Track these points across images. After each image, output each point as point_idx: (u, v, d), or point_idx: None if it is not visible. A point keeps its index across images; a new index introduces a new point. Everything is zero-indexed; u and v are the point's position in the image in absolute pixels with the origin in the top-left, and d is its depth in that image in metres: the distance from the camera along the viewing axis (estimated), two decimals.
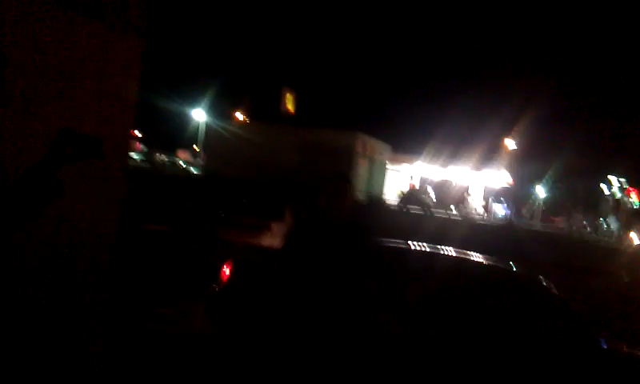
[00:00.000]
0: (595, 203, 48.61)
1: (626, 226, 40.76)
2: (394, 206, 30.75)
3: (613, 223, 41.42)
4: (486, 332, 4.77)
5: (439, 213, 30.93)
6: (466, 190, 41.04)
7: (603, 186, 48.71)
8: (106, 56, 3.01)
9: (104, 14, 2.98)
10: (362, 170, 32.90)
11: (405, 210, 28.37)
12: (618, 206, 47.00)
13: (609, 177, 47.63)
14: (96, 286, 3.09)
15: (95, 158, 1.95)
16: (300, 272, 3.46)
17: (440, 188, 39.22)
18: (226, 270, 5.78)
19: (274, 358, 3.62)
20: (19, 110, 2.59)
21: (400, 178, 40.69)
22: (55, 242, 2.79)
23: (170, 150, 52.06)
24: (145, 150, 48.36)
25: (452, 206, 36.49)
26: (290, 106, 38.62)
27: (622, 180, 46.88)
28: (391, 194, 36.34)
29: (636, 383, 4.51)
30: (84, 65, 2.89)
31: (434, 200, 35.65)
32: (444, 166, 40.11)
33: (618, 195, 47.30)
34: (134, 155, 40.23)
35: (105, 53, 3.00)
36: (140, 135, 50.00)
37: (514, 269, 5.50)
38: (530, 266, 6.00)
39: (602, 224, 42.63)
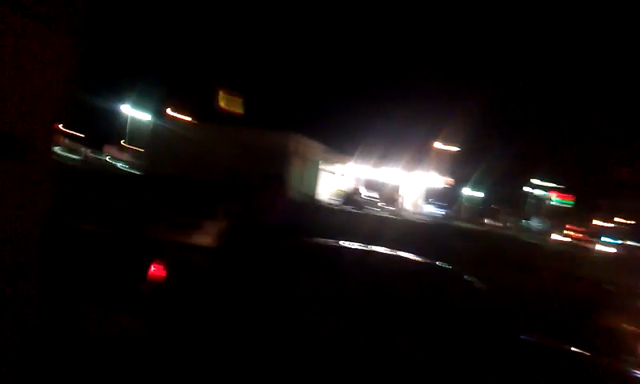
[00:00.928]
0: (520, 205, 50.67)
1: (551, 225, 42.76)
2: (331, 204, 31.00)
3: (536, 223, 43.33)
4: (412, 326, 4.89)
5: (373, 211, 31.41)
6: (397, 190, 41.89)
7: (528, 188, 50.84)
8: (37, 53, 2.92)
9: (39, 11, 2.89)
10: (295, 169, 33.02)
11: (343, 208, 28.67)
12: (542, 208, 49.17)
13: (534, 180, 49.80)
14: (18, 283, 2.99)
15: (9, 155, 1.89)
16: (233, 270, 3.45)
17: (374, 188, 39.88)
18: (154, 269, 5.67)
19: (207, 358, 3.60)
20: None
21: (333, 179, 41.06)
22: None
23: (98, 146, 50.52)
24: (74, 145, 46.75)
25: (380, 203, 37.12)
26: (226, 105, 38.26)
27: (546, 183, 49.10)
28: (325, 195, 36.62)
29: (551, 372, 4.74)
30: (13, 60, 2.80)
31: (374, 200, 36.24)
32: (376, 166, 40.78)
33: (542, 197, 49.49)
34: (62, 151, 38.84)
35: (36, 50, 2.91)
36: (71, 131, 48.31)
37: (441, 266, 5.66)
38: (458, 262, 6.17)
39: (526, 224, 44.48)
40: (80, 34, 3.15)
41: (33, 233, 3.05)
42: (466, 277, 5.51)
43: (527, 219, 47.37)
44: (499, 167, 44.98)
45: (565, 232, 43.99)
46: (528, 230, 42.38)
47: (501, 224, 42.56)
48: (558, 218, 47.07)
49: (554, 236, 39.34)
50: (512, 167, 46.57)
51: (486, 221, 47.15)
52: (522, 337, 4.98)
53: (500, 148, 44.60)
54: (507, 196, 51.82)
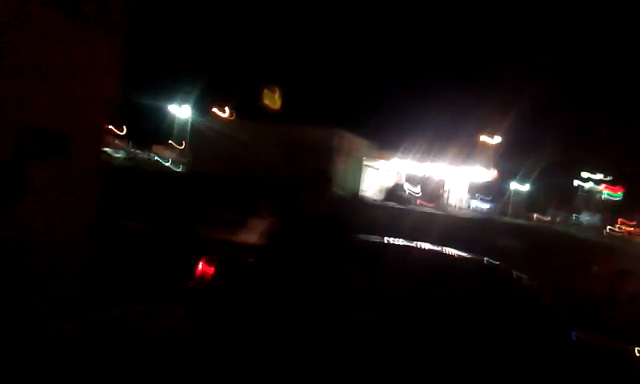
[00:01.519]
0: (570, 199, 49.41)
1: (603, 220, 41.59)
2: (375, 201, 30.86)
3: (587, 217, 42.19)
4: (460, 325, 4.82)
5: (419, 208, 31.12)
6: (442, 186, 41.39)
7: (578, 181, 49.52)
8: (83, 53, 2.98)
9: (83, 9, 2.95)
10: (339, 166, 32.96)
11: (387, 205, 28.51)
12: (593, 202, 47.80)
13: (584, 173, 48.47)
14: (70, 283, 3.05)
15: (62, 156, 1.93)
16: (281, 268, 3.46)
17: (420, 183, 39.50)
18: (202, 267, 5.74)
19: (258, 355, 3.62)
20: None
21: (379, 174, 40.84)
22: (26, 239, 2.76)
23: (147, 146, 51.58)
24: (123, 145, 47.91)
25: (421, 199, 36.69)
26: (271, 102, 38.54)
27: (598, 176, 47.70)
28: (370, 190, 36.45)
29: (602, 371, 4.60)
30: (61, 61, 2.86)
31: (418, 194, 35.94)
32: (422, 161, 40.37)
33: (593, 191, 48.12)
34: (112, 151, 39.85)
35: (82, 50, 2.97)
36: (119, 131, 49.53)
37: (489, 262, 5.56)
38: (506, 259, 6.05)
39: (576, 219, 43.37)
40: (124, 33, 3.20)
41: (83, 231, 3.11)
42: (514, 273, 5.40)
43: (577, 213, 46.16)
44: (548, 160, 43.96)
45: (617, 226, 42.68)
46: (578, 224, 41.27)
47: (550, 219, 41.56)
48: (610, 211, 45.72)
49: (606, 230, 38.23)
50: (561, 160, 45.45)
51: (534, 216, 46.18)
52: (572, 334, 4.84)
53: (549, 140, 43.54)
54: (556, 190, 50.59)
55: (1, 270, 2.64)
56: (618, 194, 48.84)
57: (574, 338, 4.81)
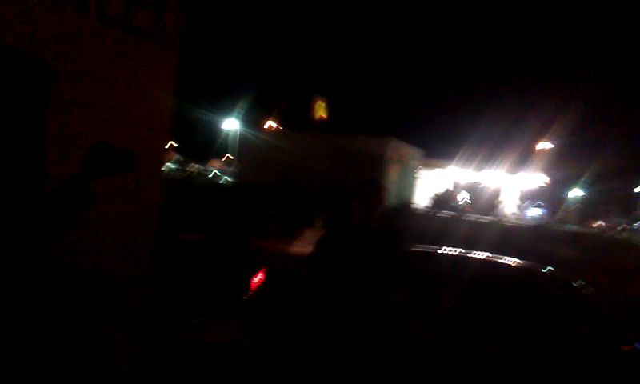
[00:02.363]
0: (632, 206, 47.52)
1: None
2: (425, 210, 30.49)
3: None
4: (518, 336, 4.72)
5: (473, 216, 30.55)
6: (497, 196, 40.50)
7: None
8: (142, 68, 3.09)
9: (141, 27, 3.06)
10: (393, 175, 32.72)
11: (434, 214, 28.05)
12: None
13: None
14: (134, 295, 3.15)
15: (128, 170, 2.02)
16: (330, 278, 3.48)
17: (474, 192, 38.79)
18: (257, 279, 5.82)
19: (306, 366, 3.65)
20: (60, 122, 2.67)
21: (432, 184, 40.33)
22: (92, 251, 2.87)
23: (204, 160, 52.58)
24: (180, 159, 48.95)
25: (481, 210, 35.82)
26: (321, 113, 38.66)
27: None
28: (424, 200, 36.05)
29: None
30: (121, 77, 2.98)
31: (469, 202, 35.30)
32: (477, 169, 39.66)
33: None
34: (170, 165, 40.76)
35: (142, 67, 3.08)
36: (176, 145, 50.69)
37: (548, 272, 5.43)
38: (567, 268, 5.90)
39: (639, 227, 41.64)
40: (179, 48, 3.30)
41: (147, 244, 3.22)
42: (573, 283, 5.26)
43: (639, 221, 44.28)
44: (608, 166, 42.47)
45: None
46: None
47: (611, 226, 40.03)
48: None
49: None
50: (622, 166, 43.83)
51: (594, 224, 44.59)
52: (636, 346, 4.67)
53: (609, 145, 42.10)
54: (617, 196, 48.73)
55: (67, 282, 2.74)
56: None
57: (633, 348, 4.64)
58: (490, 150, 38.78)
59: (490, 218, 30.76)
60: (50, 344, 2.67)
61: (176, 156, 48.53)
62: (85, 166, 1.94)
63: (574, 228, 34.60)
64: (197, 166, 49.01)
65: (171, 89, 3.31)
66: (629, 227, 41.06)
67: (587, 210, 48.34)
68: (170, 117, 3.33)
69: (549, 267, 5.51)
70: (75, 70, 2.74)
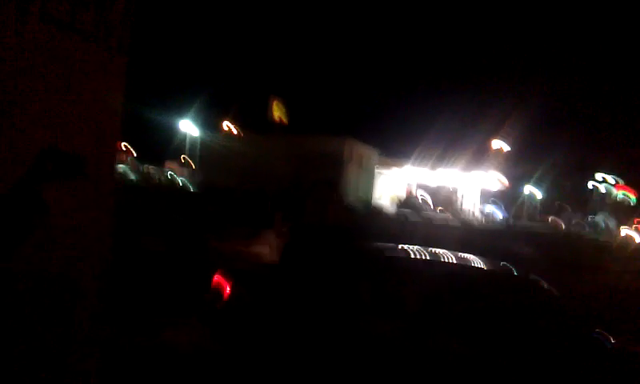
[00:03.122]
0: (584, 201, 49.00)
1: (618, 222, 41.19)
2: (389, 212, 30.83)
3: (602, 220, 41.76)
4: (482, 334, 4.77)
5: (433, 216, 30.99)
6: (454, 193, 41.21)
7: (593, 183, 49.11)
8: (88, 72, 3.01)
9: (85, 29, 2.98)
10: (351, 175, 32.98)
11: (403, 218, 28.34)
12: (608, 203, 47.40)
13: (598, 174, 48.04)
14: (90, 302, 3.07)
15: (78, 175, 1.95)
16: (297, 280, 3.47)
17: (432, 192, 39.37)
18: (217, 279, 5.74)
19: (278, 366, 3.62)
20: (5, 127, 2.57)
21: (390, 183, 40.75)
22: (44, 261, 2.77)
23: (159, 162, 51.87)
24: (133, 161, 48.13)
25: (439, 209, 36.46)
26: (278, 114, 38.67)
27: (612, 177, 47.31)
28: (382, 199, 36.40)
29: (624, 374, 4.53)
30: (67, 81, 2.89)
31: (430, 204, 35.84)
32: (433, 168, 40.23)
33: (608, 192, 47.71)
34: (123, 167, 40.06)
35: (87, 69, 3.00)
36: (129, 148, 49.85)
37: (510, 270, 5.52)
38: (525, 265, 6.02)
39: (592, 221, 42.93)
40: (126, 50, 3.23)
41: (101, 250, 3.13)
42: (531, 278, 5.35)
43: (593, 215, 45.65)
44: (561, 163, 43.71)
45: (633, 226, 42.16)
46: (594, 227, 40.82)
47: (565, 222, 41.15)
48: (625, 213, 45.24)
49: (623, 232, 37.78)
50: (575, 162, 45.18)
51: (549, 219, 45.77)
52: (594, 337, 4.78)
53: (562, 143, 43.31)
54: (570, 193, 50.18)
55: (18, 297, 2.64)
56: (633, 198, 48.32)
57: (597, 341, 4.75)
58: (446, 149, 39.44)
59: (449, 217, 31.27)
60: (7, 353, 2.57)
61: (129, 158, 47.74)
62: (32, 172, 1.87)
63: (530, 225, 35.47)
64: (151, 167, 48.29)
65: (120, 91, 3.23)
66: (582, 222, 42.28)
67: (543, 206, 49.60)
68: (120, 119, 3.25)
69: (503, 263, 5.59)
70: (18, 74, 2.64)
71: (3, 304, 1.90)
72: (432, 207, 35.44)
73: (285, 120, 38.37)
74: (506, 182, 41.78)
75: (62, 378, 2.93)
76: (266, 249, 9.75)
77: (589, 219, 43.72)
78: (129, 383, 4.67)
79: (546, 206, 49.78)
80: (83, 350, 3.05)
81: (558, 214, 45.34)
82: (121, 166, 40.28)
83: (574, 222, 41.59)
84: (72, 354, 2.98)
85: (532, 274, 5.50)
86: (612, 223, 40.63)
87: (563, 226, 38.71)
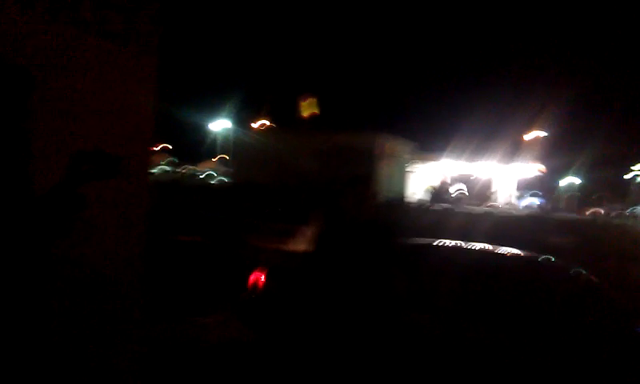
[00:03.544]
0: (625, 192, 47.84)
1: None
2: (419, 202, 30.54)
3: None
4: (523, 327, 4.69)
5: (469, 207, 30.61)
6: (490, 184, 40.66)
7: (633, 174, 47.89)
8: (120, 74, 3.05)
9: (116, 34, 3.02)
10: (385, 170, 32.78)
11: (431, 207, 28.05)
12: None
13: (635, 166, 46.82)
14: (129, 297, 3.11)
15: (114, 176, 1.99)
16: (328, 274, 3.45)
17: (469, 183, 38.92)
18: (259, 277, 5.79)
19: (312, 362, 3.62)
20: (43, 130, 2.62)
21: (425, 176, 40.42)
22: (83, 257, 2.82)
23: (197, 161, 52.52)
24: (174, 160, 48.88)
25: (476, 200, 35.91)
26: (310, 109, 38.69)
27: None
28: (417, 193, 36.11)
29: None
30: (100, 83, 2.93)
31: (466, 194, 35.47)
32: (470, 160, 39.76)
33: None
34: (163, 167, 40.75)
35: (118, 71, 3.04)
36: (170, 147, 50.65)
37: (549, 260, 5.40)
38: (564, 254, 5.89)
39: (633, 212, 41.90)
40: (155, 52, 3.26)
41: (136, 248, 3.17)
42: (573, 270, 5.23)
43: (634, 206, 44.50)
44: (601, 153, 42.69)
45: None
46: (635, 217, 39.77)
47: (605, 212, 40.21)
48: None
49: None
50: (615, 153, 44.09)
51: (588, 211, 44.78)
52: (638, 330, 4.66)
53: (601, 133, 42.31)
54: (610, 183, 49.03)
55: (63, 288, 2.70)
56: None
57: None
58: (481, 140, 38.91)
59: (484, 208, 30.85)
60: (51, 349, 2.63)
61: (168, 158, 48.45)
62: (69, 173, 1.91)
63: (568, 216, 34.76)
64: (189, 167, 48.93)
65: (152, 91, 3.27)
66: (622, 213, 41.27)
67: (581, 197, 48.60)
68: (153, 119, 3.30)
69: (545, 256, 5.48)
70: (52, 77, 2.69)
71: (44, 296, 1.95)
72: (467, 197, 35.03)
73: (314, 114, 38.37)
74: (544, 168, 41.02)
75: (103, 370, 2.99)
76: (303, 246, 9.74)
77: (629, 210, 42.68)
78: (166, 375, 4.73)
79: (586, 197, 48.74)
80: (123, 343, 3.10)
81: (597, 205, 44.34)
82: (159, 165, 41.02)
83: (613, 213, 40.62)
84: (112, 347, 3.03)
85: (575, 267, 5.38)
86: None
87: (603, 218, 37.80)
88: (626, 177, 48.40)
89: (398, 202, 25.83)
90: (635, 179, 47.91)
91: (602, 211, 40.73)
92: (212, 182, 39.58)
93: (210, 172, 48.14)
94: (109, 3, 3.00)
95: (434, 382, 4.56)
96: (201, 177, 45.06)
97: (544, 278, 5.18)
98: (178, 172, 43.50)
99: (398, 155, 36.04)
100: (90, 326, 2.90)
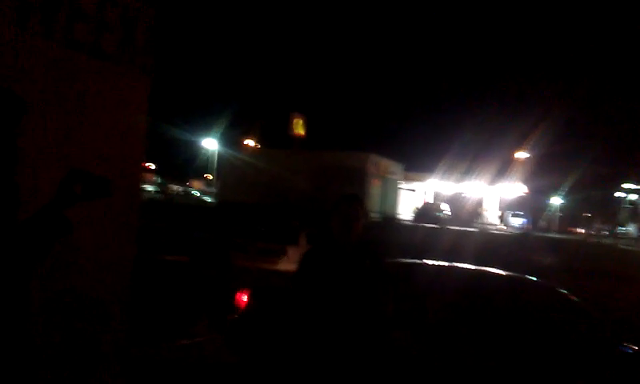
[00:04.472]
0: (613, 211, 48.19)
1: None
2: (407, 222, 30.65)
3: (633, 229, 41.04)
4: (506, 345, 4.72)
5: (454, 227, 30.77)
6: (481, 204, 40.88)
7: (621, 193, 48.30)
8: (113, 94, 3.07)
9: (109, 52, 3.05)
10: (374, 190, 32.90)
11: (419, 225, 28.17)
12: (636, 212, 46.53)
13: (627, 184, 47.22)
14: (114, 317, 3.11)
15: (104, 197, 2.00)
16: (315, 295, 3.46)
17: (454, 202, 39.12)
18: (242, 298, 5.78)
19: (294, 381, 3.62)
20: (32, 150, 2.64)
21: (413, 196, 40.61)
22: (69, 276, 2.83)
23: (184, 180, 52.39)
24: (158, 181, 48.70)
25: (460, 219, 36.04)
26: (299, 130, 38.82)
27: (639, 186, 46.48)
28: (405, 213, 36.25)
29: None
30: (92, 103, 2.96)
31: (449, 214, 35.59)
32: (458, 181, 40.03)
33: (638, 202, 46.84)
34: (147, 187, 40.53)
35: (112, 91, 3.06)
36: (153, 167, 50.47)
37: (533, 280, 5.45)
38: (547, 274, 5.93)
39: (621, 231, 42.21)
40: (151, 71, 3.29)
41: (126, 265, 3.18)
42: (558, 289, 5.28)
43: (622, 226, 44.85)
44: (587, 173, 43.08)
45: None
46: (625, 237, 40.07)
47: (594, 232, 40.50)
48: None
49: None
50: (601, 172, 44.51)
51: (578, 230, 45.05)
52: (621, 348, 4.69)
53: (587, 153, 42.72)
54: (598, 203, 49.40)
55: (49, 306, 2.70)
56: None
57: (624, 352, 4.66)
58: (469, 161, 39.21)
59: (471, 228, 30.98)
60: (35, 367, 2.62)
61: (153, 178, 48.29)
62: (59, 194, 1.92)
63: (557, 236, 34.93)
64: (176, 187, 48.78)
65: (144, 111, 3.29)
66: (611, 233, 41.58)
67: (567, 217, 48.91)
68: (144, 139, 3.31)
69: (531, 278, 5.51)
70: (45, 96, 2.72)
71: (26, 320, 1.95)
72: (450, 217, 35.15)
73: (303, 135, 38.46)
74: (526, 189, 41.35)
75: None
76: (292, 266, 9.70)
77: (618, 229, 42.97)
78: None
79: (575, 217, 49.07)
80: (107, 366, 3.09)
81: (585, 225, 44.64)
82: (146, 185, 40.82)
83: (603, 232, 40.90)
84: (96, 370, 3.03)
85: (557, 286, 5.42)
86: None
87: (592, 237, 38.06)
88: (615, 195, 48.79)
89: (389, 221, 25.88)
90: (625, 199, 48.31)
91: (590, 231, 41.03)
92: (198, 201, 39.42)
93: (196, 192, 48.03)
94: (103, 24, 3.03)
95: None
96: (187, 196, 44.87)
97: (525, 297, 5.22)
98: (162, 192, 43.24)
99: (388, 175, 36.26)
100: (72, 349, 2.89)
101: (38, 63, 2.70)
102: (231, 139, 44.53)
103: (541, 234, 33.12)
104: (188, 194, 46.75)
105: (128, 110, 3.17)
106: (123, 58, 3.13)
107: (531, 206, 42.65)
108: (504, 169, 40.68)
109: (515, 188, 41.31)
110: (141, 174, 3.42)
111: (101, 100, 3.01)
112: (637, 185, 47.00)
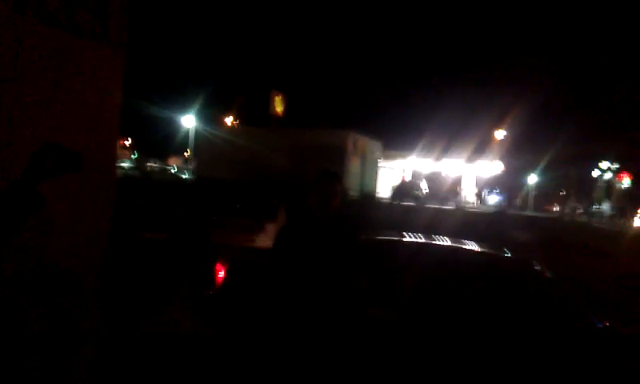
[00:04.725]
0: (588, 189, 48.90)
1: (621, 210, 41.18)
2: (386, 200, 30.83)
3: (606, 208, 41.71)
4: (480, 319, 4.80)
5: (431, 204, 31.03)
6: (459, 183, 41.23)
7: (596, 171, 48.98)
8: (87, 69, 3.03)
9: (82, 26, 3.00)
10: (354, 167, 32.96)
11: (395, 203, 28.35)
12: (611, 191, 47.31)
13: (603, 163, 47.85)
14: (89, 292, 3.10)
15: (74, 171, 1.99)
16: (291, 269, 3.48)
17: (432, 180, 39.41)
18: (219, 273, 5.79)
19: (272, 357, 3.65)
20: (2, 124, 2.60)
21: (393, 174, 40.77)
22: (43, 252, 2.81)
23: (162, 157, 51.91)
24: (135, 157, 48.22)
25: (439, 196, 36.39)
26: (279, 108, 38.63)
27: (614, 165, 47.18)
28: (385, 190, 36.41)
29: (632, 361, 4.55)
30: (66, 78, 2.91)
31: (426, 192, 35.88)
32: (437, 159, 40.27)
33: (612, 181, 47.58)
34: (124, 164, 40.11)
35: (85, 66, 3.02)
36: (129, 143, 49.91)
37: (506, 254, 5.53)
38: (522, 250, 6.03)
39: (596, 209, 42.89)
40: (123, 45, 3.24)
41: (100, 243, 3.17)
42: (534, 265, 5.36)
43: (598, 204, 45.55)
44: (566, 152, 43.59)
45: (638, 215, 42.08)
46: (600, 215, 40.75)
47: (570, 210, 41.09)
48: (631, 201, 45.10)
49: (631, 220, 37.70)
50: (577, 150, 45.07)
51: (554, 208, 45.66)
52: (593, 324, 4.80)
53: (565, 132, 43.20)
54: (574, 181, 50.07)
55: (20, 282, 2.68)
56: (629, 182, 48.12)
57: (600, 327, 4.76)
58: (448, 139, 39.45)
59: (450, 205, 31.27)
60: (8, 343, 2.61)
61: (130, 154, 47.78)
62: (31, 168, 1.91)
63: (532, 214, 35.40)
64: (154, 164, 48.31)
65: (119, 87, 3.25)
66: (587, 210, 42.21)
67: (542, 195, 49.53)
68: (119, 115, 3.28)
69: (506, 251, 5.60)
70: (17, 71, 2.67)
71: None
72: (427, 194, 35.48)
73: (282, 112, 38.30)
74: (503, 167, 41.81)
75: (61, 370, 2.98)
76: (269, 242, 9.71)
77: (594, 208, 43.65)
78: (127, 370, 4.72)
79: (551, 195, 49.69)
80: (83, 341, 3.09)
81: (561, 203, 45.25)
82: (123, 161, 40.39)
83: (578, 210, 41.53)
84: (71, 346, 3.02)
85: (530, 259, 5.51)
86: (614, 211, 40.64)
87: (567, 215, 38.65)
88: (592, 175, 49.44)
89: (368, 199, 26.00)
90: (602, 177, 48.98)
91: (566, 209, 41.60)
92: (174, 178, 39.14)
93: (175, 168, 47.63)
94: None
95: (396, 377, 4.64)
96: (166, 173, 44.51)
97: (498, 270, 5.30)
98: (137, 168, 42.82)
99: (367, 153, 36.31)
100: (47, 325, 2.88)
101: (7, 35, 2.65)
102: (210, 116, 44.23)
103: (516, 212, 33.55)
104: (164, 171, 46.30)
105: (102, 85, 3.13)
106: (96, 32, 3.09)
107: (508, 185, 43.16)
108: (482, 147, 41.05)
109: (493, 166, 41.71)
110: (116, 150, 3.39)
111: (74, 74, 2.97)
112: (612, 164, 47.68)
